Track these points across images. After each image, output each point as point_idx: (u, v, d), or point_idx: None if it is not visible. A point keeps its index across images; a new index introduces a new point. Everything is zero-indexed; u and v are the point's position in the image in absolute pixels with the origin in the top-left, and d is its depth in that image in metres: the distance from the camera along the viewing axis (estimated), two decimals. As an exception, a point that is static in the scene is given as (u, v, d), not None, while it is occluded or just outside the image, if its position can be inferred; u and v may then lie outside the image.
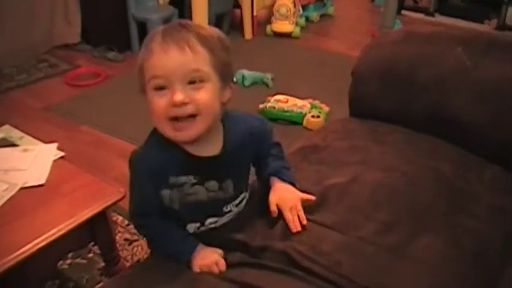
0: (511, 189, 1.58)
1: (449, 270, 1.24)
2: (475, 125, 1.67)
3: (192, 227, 1.28)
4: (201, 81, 1.11)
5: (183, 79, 1.09)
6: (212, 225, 1.30)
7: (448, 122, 1.71)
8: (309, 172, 1.56)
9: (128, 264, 1.96)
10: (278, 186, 1.31)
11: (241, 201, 1.33)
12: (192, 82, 1.10)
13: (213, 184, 1.23)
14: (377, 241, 1.27)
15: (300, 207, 1.28)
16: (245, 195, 1.34)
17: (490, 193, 1.52)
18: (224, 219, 1.31)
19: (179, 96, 1.08)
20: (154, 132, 1.20)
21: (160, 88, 1.10)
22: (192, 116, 1.12)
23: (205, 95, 1.11)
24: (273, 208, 1.27)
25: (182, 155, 1.19)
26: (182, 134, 1.13)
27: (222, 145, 1.23)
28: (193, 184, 1.21)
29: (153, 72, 1.10)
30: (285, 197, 1.28)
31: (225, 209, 1.29)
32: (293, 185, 1.34)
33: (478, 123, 1.66)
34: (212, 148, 1.22)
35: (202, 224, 1.29)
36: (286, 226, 1.28)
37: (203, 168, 1.21)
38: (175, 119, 1.12)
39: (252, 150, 1.31)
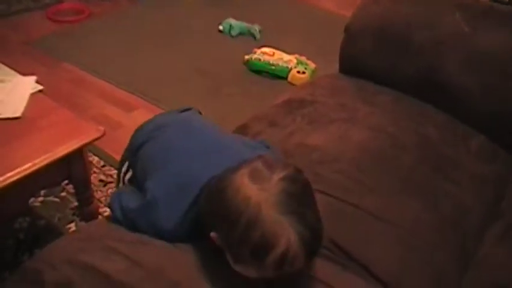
0: (495, 159, 1.58)
1: (423, 236, 1.24)
2: (466, 93, 1.65)
3: None
4: None
5: None
6: None
7: (439, 87, 1.68)
8: (294, 130, 1.52)
9: (101, 206, 1.92)
10: None
11: None
12: None
13: None
14: (357, 202, 1.26)
15: None
16: None
17: (474, 161, 1.51)
18: None
19: None
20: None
21: None
22: None
23: None
24: None
25: None
26: None
27: None
28: None
29: None
30: None
31: None
32: None
33: (469, 91, 1.64)
34: None
35: None
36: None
37: None
38: None
39: None
